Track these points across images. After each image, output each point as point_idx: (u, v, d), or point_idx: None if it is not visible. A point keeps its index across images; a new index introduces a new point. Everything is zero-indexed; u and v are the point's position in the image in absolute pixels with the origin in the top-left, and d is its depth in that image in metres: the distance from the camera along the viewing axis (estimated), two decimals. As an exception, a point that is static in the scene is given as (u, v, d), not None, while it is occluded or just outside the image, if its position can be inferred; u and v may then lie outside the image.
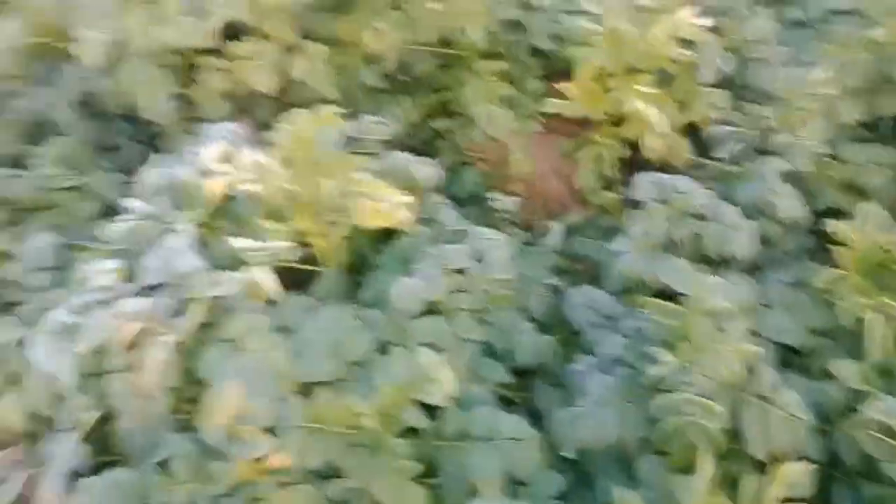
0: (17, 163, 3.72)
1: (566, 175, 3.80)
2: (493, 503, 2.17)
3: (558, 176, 3.81)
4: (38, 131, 3.91)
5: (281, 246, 2.66)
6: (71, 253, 3.32)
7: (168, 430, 2.55)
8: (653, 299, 2.47)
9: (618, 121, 3.38)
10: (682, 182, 2.91)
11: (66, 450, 2.59)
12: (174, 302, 2.59)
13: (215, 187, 2.77)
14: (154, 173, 3.08)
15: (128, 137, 4.12)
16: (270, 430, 2.35)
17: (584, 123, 3.70)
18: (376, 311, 2.76)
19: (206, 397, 2.38)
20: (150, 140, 4.13)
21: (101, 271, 2.73)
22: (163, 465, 2.47)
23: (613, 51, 3.12)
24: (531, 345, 2.78)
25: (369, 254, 3.21)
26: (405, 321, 2.71)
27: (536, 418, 2.69)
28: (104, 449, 2.71)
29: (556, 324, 2.97)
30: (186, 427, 2.59)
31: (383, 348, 2.63)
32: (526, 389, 2.87)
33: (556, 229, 3.39)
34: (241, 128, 3.38)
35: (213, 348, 2.47)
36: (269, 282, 2.61)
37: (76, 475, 2.57)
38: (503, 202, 3.48)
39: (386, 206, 2.67)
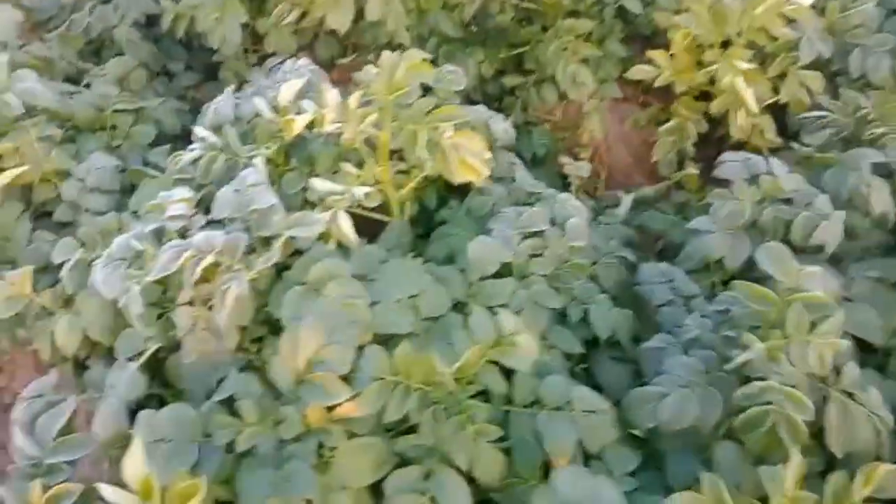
0: (76, 79, 3.62)
1: (635, 145, 3.70)
2: (575, 471, 2.11)
3: (627, 145, 3.72)
4: (97, 49, 3.81)
5: (361, 191, 2.58)
6: (126, 177, 3.24)
7: (232, 369, 2.48)
8: (744, 282, 2.38)
9: (703, 94, 3.27)
10: (774, 164, 2.82)
11: (127, 379, 2.53)
12: (247, 238, 2.51)
13: (295, 125, 2.67)
14: (227, 104, 2.99)
15: (183, 64, 4.03)
16: (345, 379, 2.28)
17: (659, 93, 3.60)
18: (450, 267, 2.68)
19: (282, 339, 2.30)
20: (206, 69, 4.04)
21: (171, 199, 2.65)
22: (224, 404, 2.41)
23: (716, 21, 2.99)
24: (607, 316, 2.69)
25: (435, 208, 3.13)
26: (478, 281, 2.65)
27: (597, 392, 2.63)
28: (152, 381, 2.65)
29: (625, 297, 2.90)
30: (251, 367, 2.54)
31: (456, 306, 2.56)
32: (584, 361, 2.81)
33: (626, 200, 3.30)
34: (306, 64, 3.28)
35: (290, 290, 2.39)
36: (348, 227, 2.54)
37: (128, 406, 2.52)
38: (574, 167, 3.37)
39: (473, 159, 2.58)
